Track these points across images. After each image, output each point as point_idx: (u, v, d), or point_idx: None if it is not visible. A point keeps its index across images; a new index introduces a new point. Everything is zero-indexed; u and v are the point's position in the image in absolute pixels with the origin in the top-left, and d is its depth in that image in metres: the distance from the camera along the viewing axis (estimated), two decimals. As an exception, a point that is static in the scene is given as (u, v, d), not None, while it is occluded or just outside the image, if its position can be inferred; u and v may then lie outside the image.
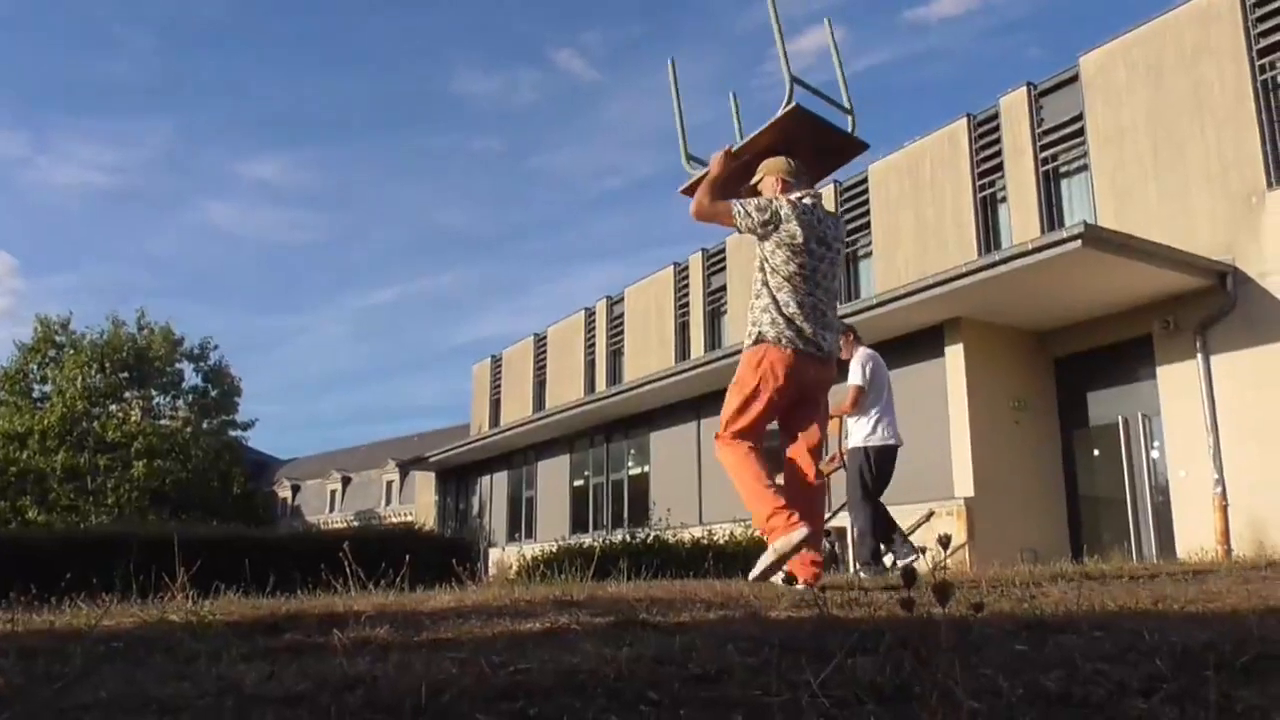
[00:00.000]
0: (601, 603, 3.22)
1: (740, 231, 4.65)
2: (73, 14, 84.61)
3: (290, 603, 3.77)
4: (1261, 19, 12.19)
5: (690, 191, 5.05)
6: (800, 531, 4.13)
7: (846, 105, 5.03)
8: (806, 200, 4.66)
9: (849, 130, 5.04)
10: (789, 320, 4.48)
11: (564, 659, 1.88)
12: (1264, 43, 12.14)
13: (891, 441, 7.15)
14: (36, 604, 3.95)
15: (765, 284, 4.55)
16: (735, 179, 4.85)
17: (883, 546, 7.18)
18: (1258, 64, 12.13)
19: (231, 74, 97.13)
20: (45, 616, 3.38)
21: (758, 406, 4.50)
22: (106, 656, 2.28)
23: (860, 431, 7.11)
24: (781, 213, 4.53)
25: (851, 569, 7.87)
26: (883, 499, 7.20)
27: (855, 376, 7.19)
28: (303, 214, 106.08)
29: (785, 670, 1.64)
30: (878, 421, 7.11)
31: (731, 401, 4.55)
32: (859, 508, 6.98)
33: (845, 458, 7.25)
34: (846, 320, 13.30)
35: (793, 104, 4.75)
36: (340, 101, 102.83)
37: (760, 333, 4.51)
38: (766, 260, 4.57)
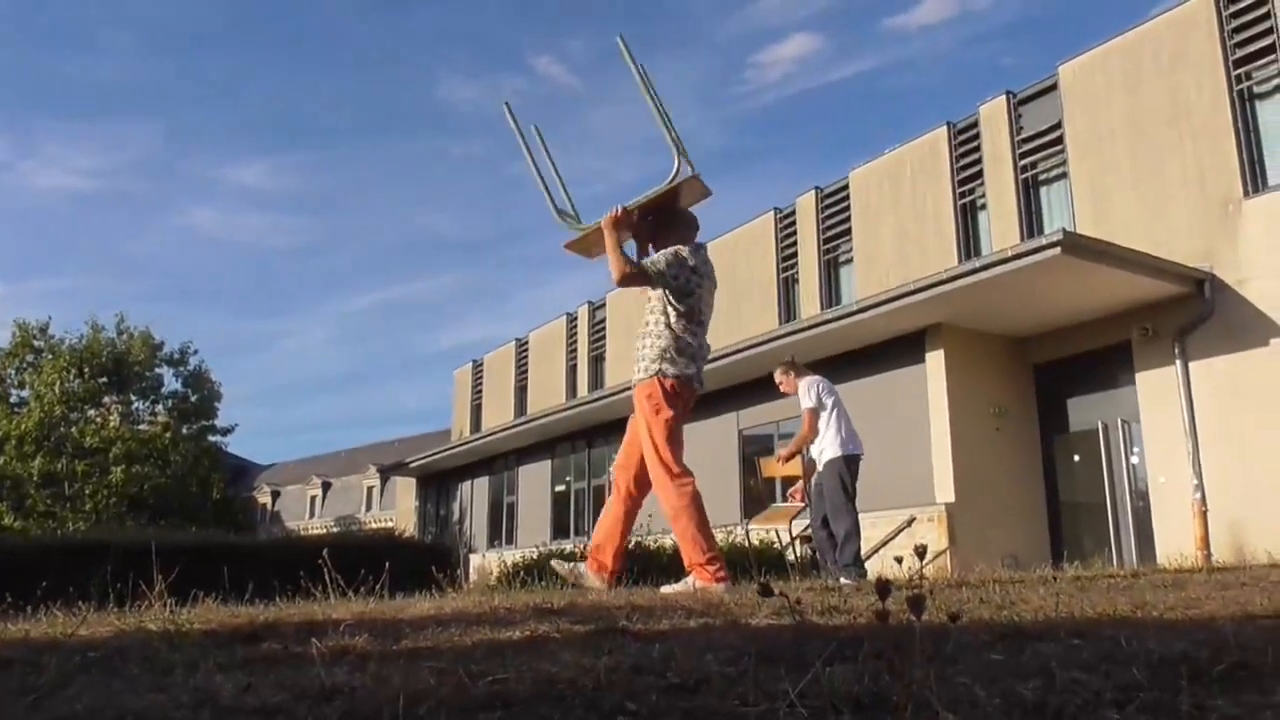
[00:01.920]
0: (582, 610, 3.21)
1: (654, 286, 5.01)
2: (57, 16, 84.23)
3: (269, 610, 3.75)
4: (1238, 29, 12.31)
5: (575, 247, 5.36)
6: (721, 588, 4.53)
7: (685, 154, 5.24)
8: (702, 251, 5.13)
9: (694, 174, 5.27)
10: (690, 359, 4.98)
11: (543, 668, 1.88)
12: (1240, 52, 12.26)
13: (860, 451, 7.26)
14: (12, 612, 3.91)
15: (669, 326, 4.97)
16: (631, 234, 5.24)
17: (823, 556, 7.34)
18: (1234, 73, 12.25)
19: (216, 78, 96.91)
20: (21, 625, 3.35)
21: (674, 433, 4.96)
22: (83, 667, 2.26)
23: (834, 443, 7.19)
24: (690, 263, 5.00)
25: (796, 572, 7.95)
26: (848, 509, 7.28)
27: (806, 400, 7.38)
28: (286, 218, 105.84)
29: (763, 680, 1.64)
30: (847, 433, 7.22)
31: (658, 439, 4.92)
32: (843, 512, 7.03)
33: (819, 473, 7.32)
34: (831, 323, 13.37)
35: (693, 173, 5.10)
36: (324, 107, 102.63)
37: (661, 369, 4.93)
38: (670, 304, 4.97)
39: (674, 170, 5.08)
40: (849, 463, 7.16)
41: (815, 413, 7.30)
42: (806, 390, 7.39)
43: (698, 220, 5.31)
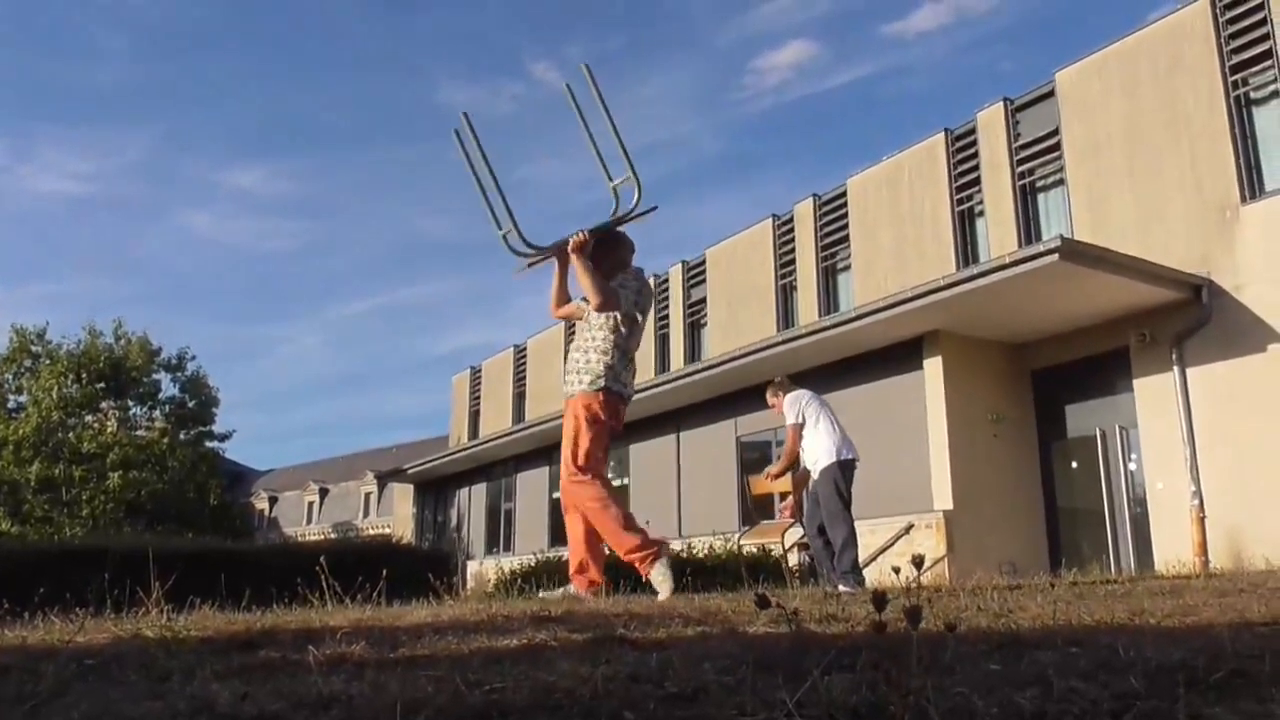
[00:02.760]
0: (579, 618, 3.21)
1: (620, 312, 5.16)
2: (55, 20, 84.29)
3: (266, 618, 3.74)
4: (1234, 35, 12.34)
5: (527, 270, 5.37)
6: (668, 554, 4.96)
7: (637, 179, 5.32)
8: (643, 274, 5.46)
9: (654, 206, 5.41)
10: (631, 374, 5.26)
11: (540, 677, 1.88)
12: (1236, 59, 12.28)
13: (854, 456, 7.29)
14: (9, 619, 3.90)
15: (616, 345, 5.15)
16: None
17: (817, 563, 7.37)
18: (1230, 80, 12.27)
19: (215, 82, 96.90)
20: (18, 632, 3.34)
21: (603, 443, 5.15)
22: (80, 674, 2.26)
23: (827, 451, 7.20)
24: (648, 288, 5.40)
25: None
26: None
27: (789, 417, 7.47)
28: (284, 222, 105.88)
29: (761, 689, 1.64)
30: (840, 439, 7.23)
31: (582, 443, 5.07)
32: (839, 520, 7.04)
33: (814, 481, 7.33)
34: (829, 330, 13.37)
35: (655, 207, 5.27)
36: (323, 110, 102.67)
37: (606, 385, 5.11)
38: (621, 324, 5.18)
39: (634, 197, 5.20)
40: (843, 468, 7.18)
41: (798, 429, 7.37)
42: (790, 406, 7.47)
43: (634, 243, 5.50)
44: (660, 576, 4.86)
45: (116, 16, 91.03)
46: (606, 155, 5.34)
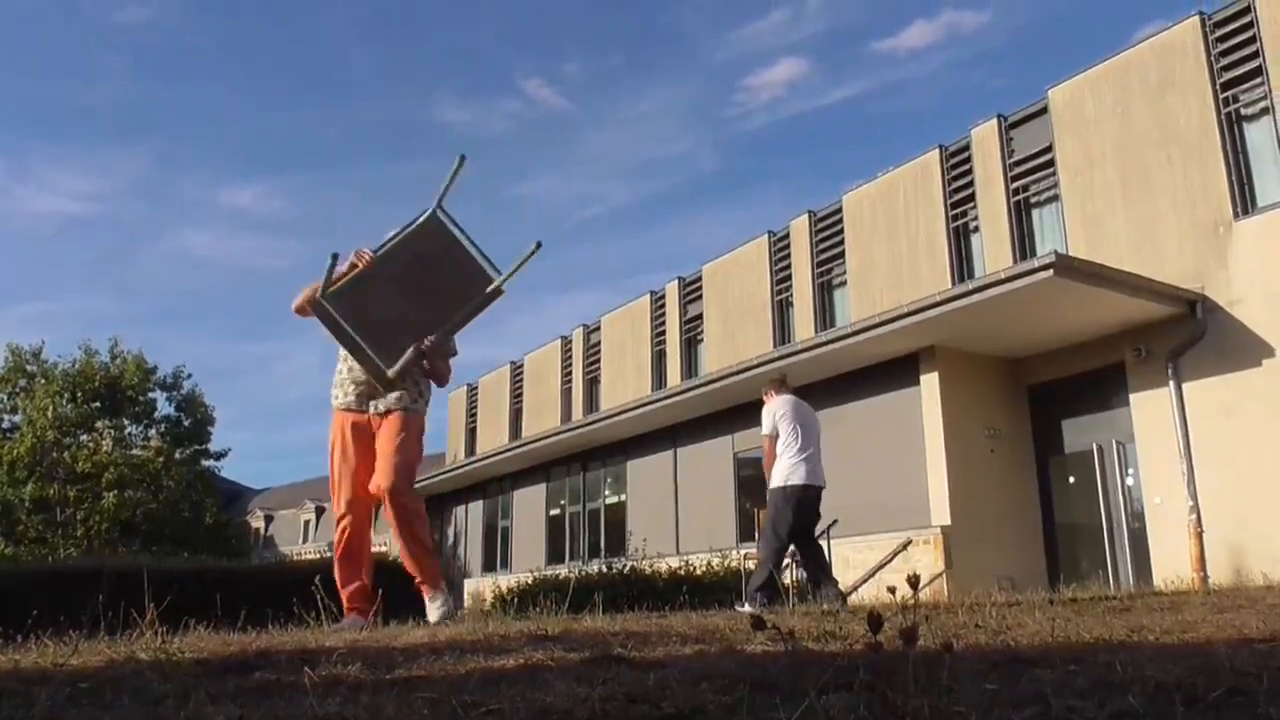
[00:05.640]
0: (577, 637, 3.20)
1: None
2: (52, 40, 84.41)
3: (261, 638, 3.72)
4: (1224, 53, 12.41)
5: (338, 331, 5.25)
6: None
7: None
8: None
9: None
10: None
11: (537, 698, 1.87)
12: (1226, 76, 12.35)
13: (811, 482, 7.15)
14: (2, 641, 3.88)
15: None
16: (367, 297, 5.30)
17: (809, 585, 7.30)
18: (1221, 96, 12.34)
19: (211, 101, 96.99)
20: (11, 655, 3.32)
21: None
22: (73, 699, 2.24)
23: (781, 474, 7.10)
24: None
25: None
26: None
27: (764, 427, 7.33)
28: (279, 241, 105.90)
29: (759, 709, 1.63)
30: (799, 463, 7.13)
31: (415, 461, 5.14)
32: (767, 539, 7.03)
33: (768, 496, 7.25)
34: (825, 346, 13.39)
35: (502, 292, 5.21)
36: (319, 128, 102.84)
37: (426, 403, 5.32)
38: None
39: (490, 289, 5.19)
40: (792, 492, 7.07)
41: (771, 440, 7.21)
42: (765, 416, 7.33)
43: None
44: (439, 602, 5.00)
45: (116, 37, 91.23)
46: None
